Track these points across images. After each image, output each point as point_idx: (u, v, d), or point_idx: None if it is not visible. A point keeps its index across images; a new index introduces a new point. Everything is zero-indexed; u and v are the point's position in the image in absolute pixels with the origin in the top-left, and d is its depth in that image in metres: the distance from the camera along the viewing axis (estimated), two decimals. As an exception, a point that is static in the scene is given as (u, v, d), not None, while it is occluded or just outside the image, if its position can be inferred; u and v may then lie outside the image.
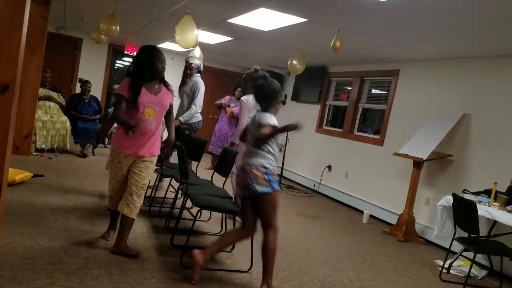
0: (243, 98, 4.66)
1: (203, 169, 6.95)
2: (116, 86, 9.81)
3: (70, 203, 4.19)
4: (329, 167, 7.33)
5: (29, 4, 2.23)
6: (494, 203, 4.03)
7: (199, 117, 5.16)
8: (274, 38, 5.82)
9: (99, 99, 7.76)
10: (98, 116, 7.20)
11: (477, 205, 3.71)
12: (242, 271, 3.27)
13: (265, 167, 2.87)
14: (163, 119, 3.36)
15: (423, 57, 5.70)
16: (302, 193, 7.20)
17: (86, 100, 7.18)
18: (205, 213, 4.20)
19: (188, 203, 3.83)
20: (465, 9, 3.43)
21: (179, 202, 4.11)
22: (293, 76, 8.36)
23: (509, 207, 3.95)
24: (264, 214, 2.89)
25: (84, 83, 7.17)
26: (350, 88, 7.37)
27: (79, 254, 3.02)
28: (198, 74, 5.14)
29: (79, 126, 6.85)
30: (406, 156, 5.17)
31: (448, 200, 4.22)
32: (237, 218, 3.95)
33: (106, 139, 8.30)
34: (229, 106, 7.48)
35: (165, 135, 3.50)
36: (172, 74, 9.57)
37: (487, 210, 3.90)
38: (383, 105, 6.51)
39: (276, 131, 2.80)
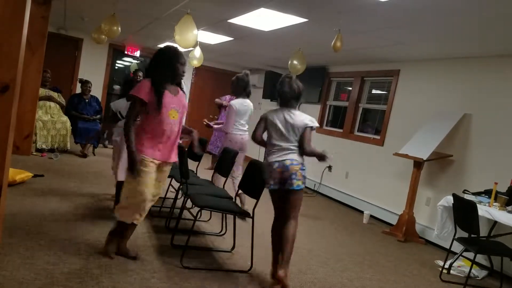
0: (232, 102, 4.68)
1: (203, 169, 6.95)
2: (116, 87, 9.84)
3: (70, 203, 4.19)
4: (329, 167, 7.33)
5: (30, 4, 2.23)
6: (495, 204, 4.03)
7: None
8: (275, 38, 5.82)
9: (100, 99, 7.77)
10: (98, 116, 7.21)
11: (478, 205, 3.71)
12: (243, 271, 3.27)
13: (302, 164, 3.13)
14: None
15: (423, 57, 5.70)
16: (302, 193, 7.20)
17: (87, 100, 7.19)
18: (205, 213, 4.20)
19: (188, 203, 3.83)
20: (465, 9, 3.43)
21: (179, 202, 4.11)
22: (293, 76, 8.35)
23: (509, 208, 3.94)
24: (294, 207, 3.13)
25: (85, 83, 7.17)
26: (350, 88, 7.37)
27: (79, 254, 3.02)
28: None
29: (79, 126, 6.85)
30: (406, 156, 5.17)
31: (449, 200, 4.22)
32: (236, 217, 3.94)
33: (107, 141, 8.29)
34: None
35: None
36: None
37: (487, 210, 3.90)
38: (384, 105, 6.51)
39: (320, 156, 3.07)
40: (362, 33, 4.74)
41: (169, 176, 4.32)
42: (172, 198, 4.47)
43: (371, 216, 5.94)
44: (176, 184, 4.19)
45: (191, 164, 3.99)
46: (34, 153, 6.30)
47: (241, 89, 4.72)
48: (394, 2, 3.49)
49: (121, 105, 4.25)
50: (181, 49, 3.19)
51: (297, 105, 3.26)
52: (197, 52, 6.33)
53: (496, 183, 4.10)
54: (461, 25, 3.89)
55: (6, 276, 2.51)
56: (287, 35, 5.43)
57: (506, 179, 4.27)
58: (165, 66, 2.97)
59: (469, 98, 5.10)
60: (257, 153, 7.94)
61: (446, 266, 4.17)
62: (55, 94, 6.94)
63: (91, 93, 7.34)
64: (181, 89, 3.16)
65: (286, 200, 3.13)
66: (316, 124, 3.19)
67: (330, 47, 4.40)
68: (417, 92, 5.85)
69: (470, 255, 4.08)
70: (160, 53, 3.02)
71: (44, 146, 6.50)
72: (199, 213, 3.29)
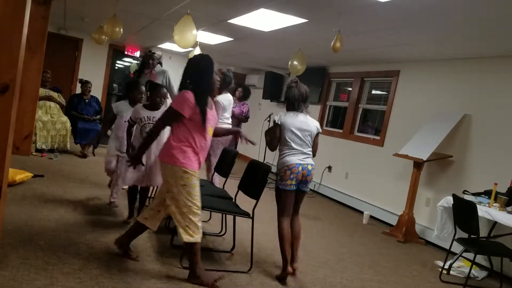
0: (218, 99, 4.71)
1: (203, 169, 6.95)
2: (115, 85, 9.82)
3: (70, 204, 4.19)
4: (329, 168, 7.33)
5: (30, 4, 2.23)
6: (494, 204, 4.03)
7: None
8: (275, 39, 5.82)
9: (100, 100, 7.76)
10: (98, 116, 7.20)
11: (477, 206, 3.71)
12: (242, 272, 3.27)
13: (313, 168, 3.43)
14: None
15: (423, 57, 5.70)
16: (302, 193, 7.20)
17: (87, 101, 7.18)
18: (205, 214, 4.20)
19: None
20: (465, 10, 3.43)
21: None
22: (293, 77, 8.36)
23: (509, 208, 3.94)
24: (300, 204, 3.49)
25: (85, 84, 7.16)
26: (350, 89, 7.37)
27: (79, 254, 3.02)
28: (158, 65, 4.95)
29: (79, 127, 6.85)
30: (406, 156, 5.17)
31: (448, 201, 4.22)
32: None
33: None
34: None
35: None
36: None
37: (487, 211, 3.90)
38: (384, 106, 6.51)
39: None
40: (362, 33, 4.74)
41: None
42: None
43: (371, 216, 5.94)
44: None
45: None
46: (34, 153, 6.29)
47: (227, 85, 4.83)
48: (394, 3, 3.50)
49: (124, 108, 4.20)
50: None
51: (305, 108, 3.46)
52: (197, 52, 6.33)
53: (496, 184, 4.10)
54: (461, 25, 3.89)
55: (6, 276, 2.51)
56: (287, 36, 5.44)
57: (506, 180, 4.27)
58: (206, 77, 2.85)
59: (469, 99, 5.10)
60: (257, 153, 7.94)
61: (446, 266, 4.17)
62: (55, 94, 6.93)
63: (91, 94, 7.33)
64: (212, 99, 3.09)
65: (297, 199, 3.43)
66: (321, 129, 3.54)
67: (330, 48, 4.40)
68: (417, 92, 5.86)
69: (470, 255, 4.08)
70: (201, 62, 2.91)
71: (44, 146, 6.49)
72: (199, 213, 3.29)
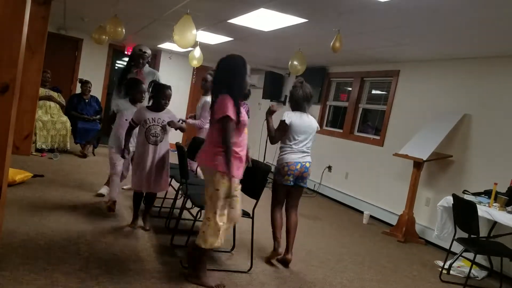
0: (207, 98, 4.71)
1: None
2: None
3: (70, 203, 4.19)
4: (329, 168, 7.33)
5: (29, 4, 2.23)
6: (494, 204, 4.03)
7: None
8: (275, 39, 5.82)
9: (99, 99, 7.76)
10: (98, 116, 7.20)
11: (477, 205, 3.71)
12: (242, 272, 3.27)
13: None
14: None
15: (423, 57, 5.70)
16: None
17: (87, 100, 7.19)
18: (205, 214, 4.19)
19: (188, 204, 3.82)
20: (465, 10, 3.43)
21: (179, 203, 4.11)
22: (294, 77, 8.36)
23: (509, 208, 3.94)
24: (298, 199, 3.70)
25: (85, 83, 7.17)
26: (350, 89, 7.37)
27: (79, 254, 3.02)
28: (146, 65, 4.77)
29: (79, 126, 6.85)
30: (406, 156, 5.17)
31: (448, 200, 4.22)
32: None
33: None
34: None
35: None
36: (169, 73, 9.64)
37: (487, 210, 3.90)
38: (383, 106, 6.51)
39: None
40: (362, 33, 4.74)
41: (169, 177, 4.34)
42: (172, 198, 4.47)
43: (371, 216, 5.94)
44: (176, 184, 4.19)
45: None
46: (34, 153, 6.30)
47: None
48: (394, 3, 3.49)
49: (124, 106, 4.14)
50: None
51: (308, 108, 3.67)
52: (197, 52, 6.34)
53: (496, 184, 4.10)
54: (461, 25, 3.89)
55: (6, 276, 2.51)
56: (287, 36, 5.43)
57: (506, 180, 4.27)
58: (238, 79, 2.80)
59: (469, 99, 5.10)
60: (257, 153, 7.95)
61: (446, 266, 4.17)
62: (55, 94, 6.94)
63: (91, 93, 7.34)
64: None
65: (294, 194, 3.65)
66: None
67: (330, 48, 4.40)
68: (417, 92, 5.86)
69: (470, 255, 4.08)
70: (236, 64, 2.83)
71: (44, 146, 6.50)
72: (199, 213, 3.29)
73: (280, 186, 3.61)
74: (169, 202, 4.62)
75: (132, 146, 3.97)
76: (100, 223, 3.77)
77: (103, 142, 8.29)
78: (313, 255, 4.02)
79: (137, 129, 3.76)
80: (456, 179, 5.07)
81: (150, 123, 3.64)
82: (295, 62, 5.62)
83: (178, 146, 3.69)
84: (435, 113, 5.44)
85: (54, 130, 6.63)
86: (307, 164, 3.58)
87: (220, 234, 2.77)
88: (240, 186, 2.84)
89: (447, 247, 4.18)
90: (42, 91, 6.58)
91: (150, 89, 3.74)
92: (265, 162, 4.14)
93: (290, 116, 3.57)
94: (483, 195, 4.31)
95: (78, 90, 7.75)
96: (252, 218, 3.27)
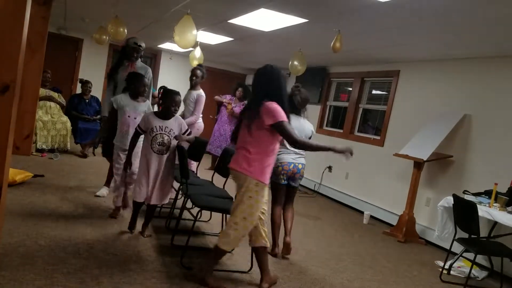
0: (202, 93, 4.93)
1: (203, 169, 6.96)
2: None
3: (70, 203, 4.19)
4: (330, 168, 7.33)
5: (30, 4, 2.23)
6: (495, 204, 4.03)
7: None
8: (275, 39, 5.82)
9: (100, 100, 7.76)
10: (98, 116, 7.20)
11: (478, 206, 3.71)
12: (243, 272, 3.27)
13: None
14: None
15: (423, 58, 5.70)
16: (302, 193, 7.20)
17: (87, 101, 7.19)
18: (206, 214, 4.20)
19: (189, 204, 3.83)
20: (465, 10, 3.43)
21: (179, 203, 4.11)
22: (294, 77, 8.36)
23: (509, 208, 3.94)
24: (293, 197, 3.94)
25: (85, 84, 7.17)
26: (350, 89, 7.37)
27: (79, 254, 3.02)
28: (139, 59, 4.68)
29: (79, 127, 6.86)
30: (406, 156, 5.16)
31: (449, 201, 4.22)
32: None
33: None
34: (229, 103, 7.44)
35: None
36: (169, 74, 9.64)
37: (487, 211, 3.90)
38: (384, 106, 6.51)
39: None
40: (362, 33, 4.74)
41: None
42: (172, 199, 4.46)
43: (371, 216, 5.94)
44: (176, 185, 4.19)
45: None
46: (34, 153, 6.30)
47: (202, 80, 5.13)
48: (394, 3, 3.50)
49: (125, 102, 3.95)
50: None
51: (303, 112, 3.90)
52: (197, 52, 6.34)
53: (496, 184, 4.09)
54: (461, 26, 3.89)
55: (6, 276, 2.51)
56: (287, 36, 5.44)
57: (506, 180, 4.27)
58: (285, 88, 2.93)
59: (469, 99, 5.10)
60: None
61: (446, 266, 4.16)
62: (55, 94, 6.94)
63: (91, 94, 7.34)
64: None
65: (288, 193, 3.89)
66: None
67: (330, 48, 4.40)
68: (417, 92, 5.86)
69: (470, 255, 4.08)
70: (275, 73, 2.92)
71: (44, 146, 6.50)
72: (199, 213, 3.29)
73: (278, 186, 3.83)
74: (169, 202, 4.62)
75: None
76: (101, 223, 3.77)
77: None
78: (313, 255, 4.02)
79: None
80: (456, 179, 5.06)
81: (157, 131, 3.47)
82: (296, 62, 5.62)
83: (178, 146, 3.69)
84: (435, 113, 5.44)
85: (54, 130, 6.63)
86: (300, 166, 3.81)
87: (242, 239, 2.89)
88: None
89: (448, 247, 4.18)
90: (43, 92, 6.58)
91: (159, 95, 3.66)
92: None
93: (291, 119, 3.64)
94: (483, 195, 4.31)
95: (78, 90, 7.76)
96: (252, 218, 3.27)
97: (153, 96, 6.50)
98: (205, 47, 6.93)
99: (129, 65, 4.55)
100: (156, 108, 6.27)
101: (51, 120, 6.62)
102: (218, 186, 4.15)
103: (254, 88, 2.99)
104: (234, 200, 2.98)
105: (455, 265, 4.30)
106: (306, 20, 4.51)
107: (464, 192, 4.49)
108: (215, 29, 5.86)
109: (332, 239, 4.72)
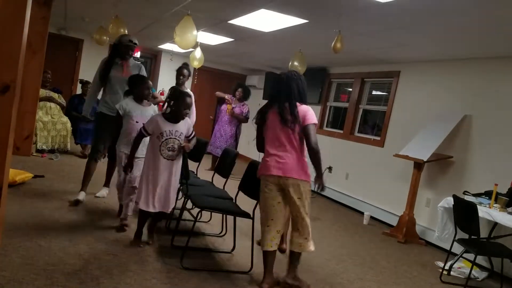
0: (190, 92, 4.57)
1: (203, 170, 6.95)
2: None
3: (70, 204, 4.19)
4: (330, 168, 7.33)
5: (30, 5, 2.23)
6: (495, 205, 4.03)
7: None
8: (275, 39, 5.83)
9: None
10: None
11: (478, 206, 3.71)
12: (243, 272, 3.27)
13: None
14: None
15: (423, 58, 5.70)
16: (302, 194, 7.20)
17: (87, 101, 7.18)
18: (206, 214, 4.20)
19: (189, 204, 3.83)
20: (465, 10, 3.43)
21: (179, 203, 4.11)
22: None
23: (509, 209, 3.94)
24: None
25: (85, 84, 7.17)
26: (350, 90, 7.37)
27: (79, 254, 3.02)
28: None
29: (79, 127, 6.86)
30: (406, 157, 5.16)
31: (449, 201, 4.22)
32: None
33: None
34: (230, 103, 7.44)
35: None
36: (170, 74, 9.63)
37: (487, 211, 3.90)
38: (384, 107, 6.51)
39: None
40: (363, 34, 4.74)
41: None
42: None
43: (372, 217, 5.94)
44: (176, 185, 4.19)
45: (192, 165, 3.99)
46: (35, 154, 6.30)
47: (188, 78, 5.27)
48: (394, 4, 3.50)
49: (131, 107, 3.71)
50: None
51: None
52: (198, 53, 6.34)
53: (496, 185, 4.09)
54: (462, 26, 3.89)
55: (6, 276, 2.51)
56: (288, 36, 5.44)
57: (506, 181, 4.27)
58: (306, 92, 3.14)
59: (470, 99, 5.10)
60: (257, 154, 7.94)
61: (447, 267, 4.16)
62: (55, 95, 6.94)
63: (92, 94, 7.33)
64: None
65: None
66: None
67: (330, 48, 4.40)
68: (418, 93, 5.86)
69: (471, 256, 4.07)
70: (298, 77, 3.12)
71: (44, 147, 6.50)
72: (199, 214, 3.29)
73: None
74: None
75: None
76: (101, 224, 3.77)
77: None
78: (313, 255, 4.01)
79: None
80: (456, 180, 5.06)
81: (167, 136, 3.24)
82: (296, 63, 5.62)
83: (178, 147, 3.69)
84: (435, 114, 5.44)
85: (54, 130, 6.63)
86: None
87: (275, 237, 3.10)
88: None
89: (448, 248, 4.18)
90: (43, 92, 6.58)
91: (168, 97, 3.45)
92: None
93: None
94: (483, 196, 4.31)
95: (78, 90, 7.76)
96: (253, 218, 3.27)
97: (153, 97, 6.50)
98: (205, 48, 6.93)
99: (122, 64, 4.39)
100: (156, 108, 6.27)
101: (51, 120, 6.63)
102: (218, 187, 4.16)
103: (285, 92, 3.07)
104: (268, 204, 3.06)
105: (455, 265, 4.30)
106: (306, 21, 4.52)
107: (464, 192, 4.49)
108: (216, 29, 5.87)
109: (332, 240, 4.72)
